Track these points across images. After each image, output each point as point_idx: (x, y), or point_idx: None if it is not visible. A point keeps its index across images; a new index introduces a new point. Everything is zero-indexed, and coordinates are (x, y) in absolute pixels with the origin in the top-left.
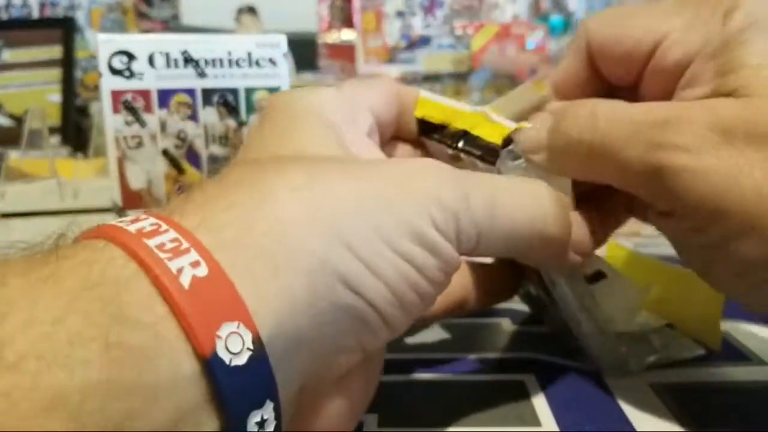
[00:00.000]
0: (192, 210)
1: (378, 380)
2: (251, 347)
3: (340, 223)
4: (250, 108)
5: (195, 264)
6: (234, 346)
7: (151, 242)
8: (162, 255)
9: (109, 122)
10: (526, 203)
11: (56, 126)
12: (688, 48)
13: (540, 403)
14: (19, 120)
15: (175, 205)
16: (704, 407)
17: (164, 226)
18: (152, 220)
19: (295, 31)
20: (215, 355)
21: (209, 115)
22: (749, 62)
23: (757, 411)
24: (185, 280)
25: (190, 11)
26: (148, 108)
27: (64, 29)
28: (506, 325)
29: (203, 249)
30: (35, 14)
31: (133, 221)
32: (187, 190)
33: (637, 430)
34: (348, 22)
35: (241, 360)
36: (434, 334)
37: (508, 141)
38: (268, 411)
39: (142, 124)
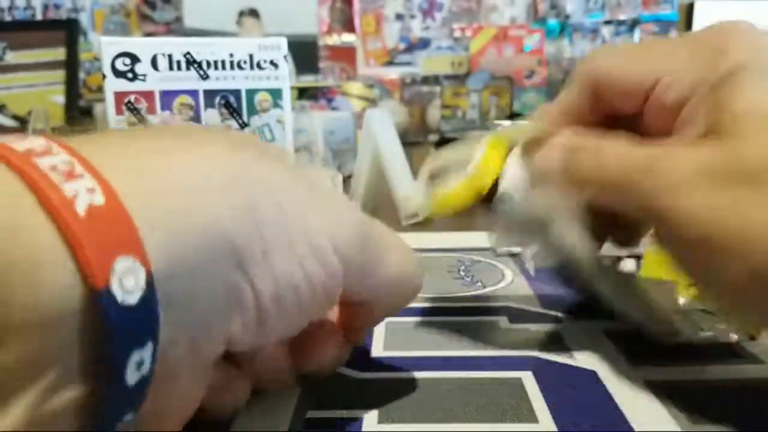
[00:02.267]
0: (92, 142)
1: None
2: (143, 286)
3: (258, 205)
4: (252, 109)
5: (90, 190)
6: (128, 282)
7: (43, 162)
8: (55, 177)
9: (113, 123)
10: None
11: (60, 127)
12: (683, 88)
13: (537, 400)
14: (22, 121)
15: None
16: (702, 406)
17: (56, 148)
18: (42, 140)
19: (295, 33)
20: (108, 290)
21: (211, 116)
22: (735, 105)
23: (756, 410)
24: (81, 207)
25: (193, 14)
26: (151, 109)
27: (68, 31)
28: (503, 323)
29: (99, 176)
30: (39, 16)
31: (21, 139)
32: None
33: (635, 428)
34: (348, 25)
35: (133, 299)
36: (432, 332)
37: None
38: (147, 352)
39: (145, 125)
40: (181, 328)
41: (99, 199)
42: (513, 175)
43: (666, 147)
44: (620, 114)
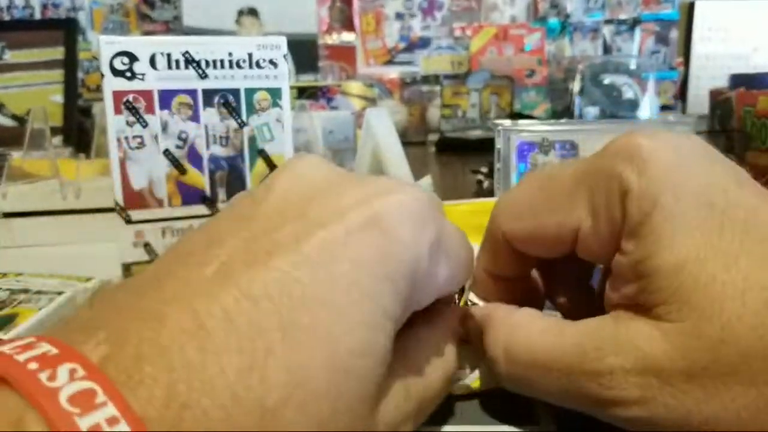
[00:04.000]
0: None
1: None
2: None
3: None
4: (251, 109)
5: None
6: None
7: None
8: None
9: (111, 123)
10: None
11: (58, 126)
12: (602, 241)
13: (538, 401)
14: (21, 120)
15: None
16: None
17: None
18: (76, 370)
19: (295, 32)
20: None
21: (210, 115)
22: (661, 264)
23: None
24: None
25: (192, 13)
26: (149, 109)
27: (67, 30)
28: None
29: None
30: (38, 15)
31: (40, 362)
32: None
33: None
34: (348, 24)
35: None
36: None
37: None
38: None
39: (144, 124)
40: None
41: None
42: None
43: (596, 342)
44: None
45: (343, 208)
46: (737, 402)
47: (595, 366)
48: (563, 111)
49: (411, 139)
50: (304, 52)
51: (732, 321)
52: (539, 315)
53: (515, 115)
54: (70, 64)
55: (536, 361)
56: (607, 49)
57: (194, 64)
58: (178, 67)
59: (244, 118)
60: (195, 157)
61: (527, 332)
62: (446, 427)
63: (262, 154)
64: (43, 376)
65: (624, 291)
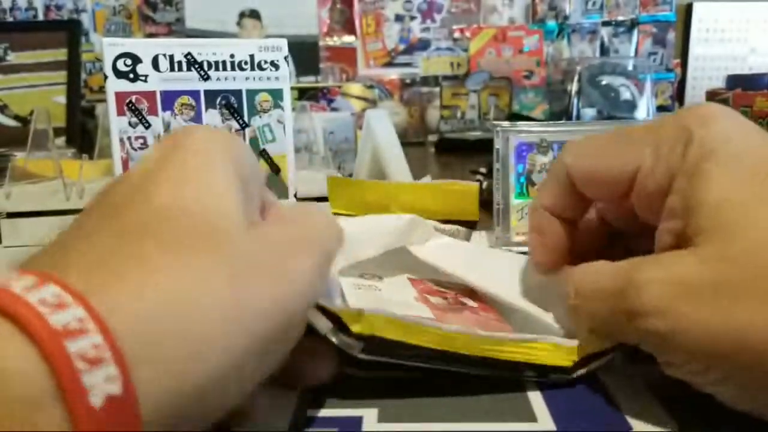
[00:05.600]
0: (97, 284)
1: None
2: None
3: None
4: (252, 110)
5: (110, 379)
6: None
7: (71, 347)
8: (81, 366)
9: (114, 124)
10: None
11: (61, 127)
12: (659, 180)
13: (537, 399)
14: (24, 121)
15: (72, 266)
16: (701, 406)
17: (88, 324)
18: (73, 309)
19: (296, 34)
20: None
21: (212, 116)
22: (707, 199)
23: None
24: (97, 401)
25: (194, 15)
26: (152, 110)
27: (70, 32)
28: None
29: (122, 360)
30: (41, 17)
31: (47, 304)
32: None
33: (634, 428)
34: (348, 26)
35: None
36: None
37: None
38: None
39: (147, 125)
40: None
41: (116, 388)
42: None
43: (636, 266)
44: (606, 201)
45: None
46: (753, 318)
47: (636, 277)
48: (561, 112)
49: (410, 139)
50: (304, 54)
51: (756, 246)
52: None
53: (514, 116)
54: (73, 65)
55: (596, 283)
56: (604, 51)
57: (196, 66)
58: (180, 68)
59: (245, 119)
60: None
61: (594, 266)
62: (446, 427)
63: (264, 154)
64: (16, 285)
65: (672, 225)
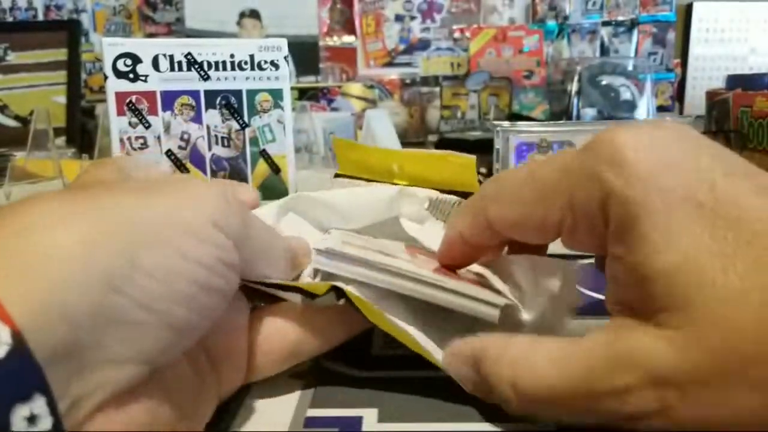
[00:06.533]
0: None
1: (184, 404)
2: (10, 341)
3: (109, 222)
4: (252, 110)
5: None
6: None
7: None
8: None
9: (114, 124)
10: None
11: (61, 127)
12: (584, 240)
13: None
14: (24, 121)
15: None
16: None
17: None
18: None
19: (296, 34)
20: None
21: (212, 116)
22: (656, 269)
23: None
24: None
25: (194, 15)
26: (152, 110)
27: (70, 32)
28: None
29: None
30: (40, 17)
31: None
32: None
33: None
34: (348, 26)
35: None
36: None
37: None
38: (39, 406)
39: (147, 125)
40: (83, 381)
41: None
42: None
43: (602, 365)
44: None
45: None
46: (748, 406)
47: (609, 386)
48: (561, 112)
49: (411, 139)
50: (304, 54)
51: (733, 326)
52: (534, 339)
53: (514, 116)
54: (72, 65)
55: (549, 393)
56: (604, 51)
57: (196, 66)
58: (180, 68)
59: (245, 119)
60: (197, 158)
61: (531, 364)
62: (447, 427)
63: (264, 154)
64: None
65: (623, 296)
